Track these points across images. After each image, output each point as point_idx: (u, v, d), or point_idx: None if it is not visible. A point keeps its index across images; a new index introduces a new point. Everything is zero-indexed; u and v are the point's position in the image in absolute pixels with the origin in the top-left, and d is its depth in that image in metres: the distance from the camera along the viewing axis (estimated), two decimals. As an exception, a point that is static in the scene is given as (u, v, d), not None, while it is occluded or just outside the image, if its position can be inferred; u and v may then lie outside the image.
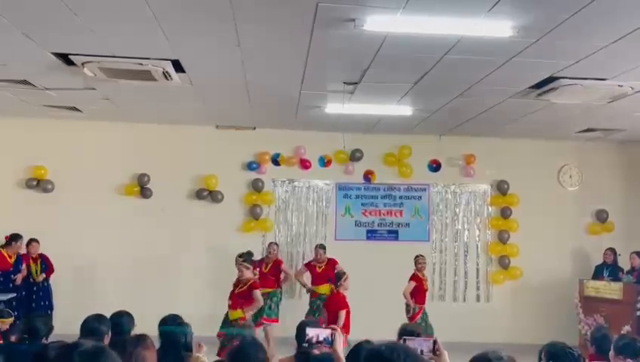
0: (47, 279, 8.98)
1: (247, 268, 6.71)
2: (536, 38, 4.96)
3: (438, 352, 3.06)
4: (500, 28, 4.71)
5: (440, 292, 10.16)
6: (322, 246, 9.09)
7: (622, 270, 9.29)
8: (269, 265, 8.86)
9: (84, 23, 4.94)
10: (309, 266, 9.01)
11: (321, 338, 3.15)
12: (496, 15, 4.45)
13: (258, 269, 8.49)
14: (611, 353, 4.23)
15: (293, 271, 9.42)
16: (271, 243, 9.27)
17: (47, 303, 8.92)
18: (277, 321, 8.61)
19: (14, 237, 8.69)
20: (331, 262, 8.84)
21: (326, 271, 8.71)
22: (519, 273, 10.14)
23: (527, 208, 10.18)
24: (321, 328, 3.26)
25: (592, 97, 6.85)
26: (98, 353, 2.00)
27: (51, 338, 4.29)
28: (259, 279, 8.31)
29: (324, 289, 8.57)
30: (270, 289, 8.62)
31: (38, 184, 9.62)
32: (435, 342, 3.07)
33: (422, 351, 3.10)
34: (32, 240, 8.95)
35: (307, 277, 9.03)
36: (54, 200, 9.59)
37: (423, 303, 8.31)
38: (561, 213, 10.26)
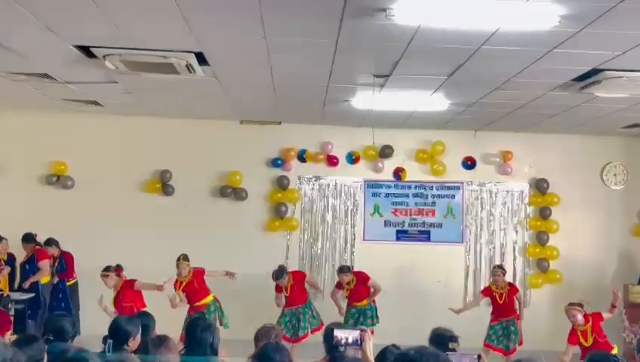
0: (61, 280, 8.95)
1: (107, 276, 7.45)
2: (580, 28, 4.89)
3: None
4: (541, 17, 4.65)
5: (474, 296, 10.07)
6: (342, 271, 8.64)
7: (670, 275, 9.14)
8: (287, 290, 8.38)
9: (106, 15, 5.01)
10: (338, 286, 8.73)
11: (350, 340, 3.18)
12: (537, 4, 4.40)
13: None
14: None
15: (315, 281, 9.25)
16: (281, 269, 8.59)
17: (63, 306, 8.81)
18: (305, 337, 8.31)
19: None
20: (361, 278, 8.54)
21: (357, 288, 8.51)
22: (559, 277, 10.03)
23: (568, 208, 10.08)
24: (350, 329, 3.29)
25: (638, 91, 6.74)
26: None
27: (77, 337, 4.40)
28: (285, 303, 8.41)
29: (362, 304, 8.56)
30: (302, 305, 8.41)
31: (58, 180, 9.82)
32: (479, 357, 3.09)
33: None
34: (49, 241, 8.99)
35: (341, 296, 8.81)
36: (74, 197, 9.79)
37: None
38: (604, 213, 10.13)
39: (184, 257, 8.13)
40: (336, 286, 8.85)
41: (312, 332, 8.29)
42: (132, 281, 7.48)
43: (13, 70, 7.09)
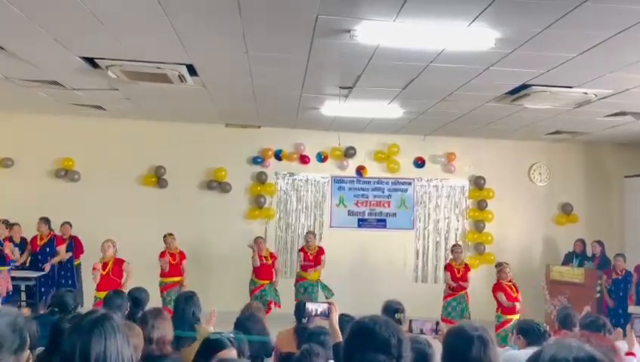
0: (70, 259, 8.71)
1: (109, 244, 7.22)
2: (511, 50, 4.97)
3: (440, 332, 3.09)
4: (479, 40, 4.71)
5: (423, 275, 10.22)
6: (312, 233, 8.87)
7: (588, 259, 9.29)
8: (269, 258, 8.40)
9: (109, 31, 4.93)
10: (302, 251, 8.73)
11: (319, 312, 3.18)
12: (476, 29, 4.45)
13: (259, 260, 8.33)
14: (576, 329, 4.29)
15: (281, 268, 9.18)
16: (258, 237, 8.58)
17: (70, 282, 8.59)
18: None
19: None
20: (320, 251, 8.62)
21: (316, 257, 8.53)
22: (493, 258, 10.15)
23: (501, 201, 10.23)
24: (319, 303, 3.30)
25: (560, 103, 6.86)
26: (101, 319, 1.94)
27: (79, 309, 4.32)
28: (259, 270, 8.33)
29: (312, 276, 8.50)
30: (268, 281, 8.31)
31: (66, 174, 9.63)
32: (437, 323, 3.11)
33: (422, 331, 3.13)
34: (64, 223, 8.83)
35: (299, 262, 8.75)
36: (80, 189, 9.60)
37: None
38: (531, 205, 10.31)
39: (169, 234, 8.22)
40: (300, 250, 8.80)
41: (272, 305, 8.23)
42: (122, 261, 7.26)
43: (26, 78, 6.93)
